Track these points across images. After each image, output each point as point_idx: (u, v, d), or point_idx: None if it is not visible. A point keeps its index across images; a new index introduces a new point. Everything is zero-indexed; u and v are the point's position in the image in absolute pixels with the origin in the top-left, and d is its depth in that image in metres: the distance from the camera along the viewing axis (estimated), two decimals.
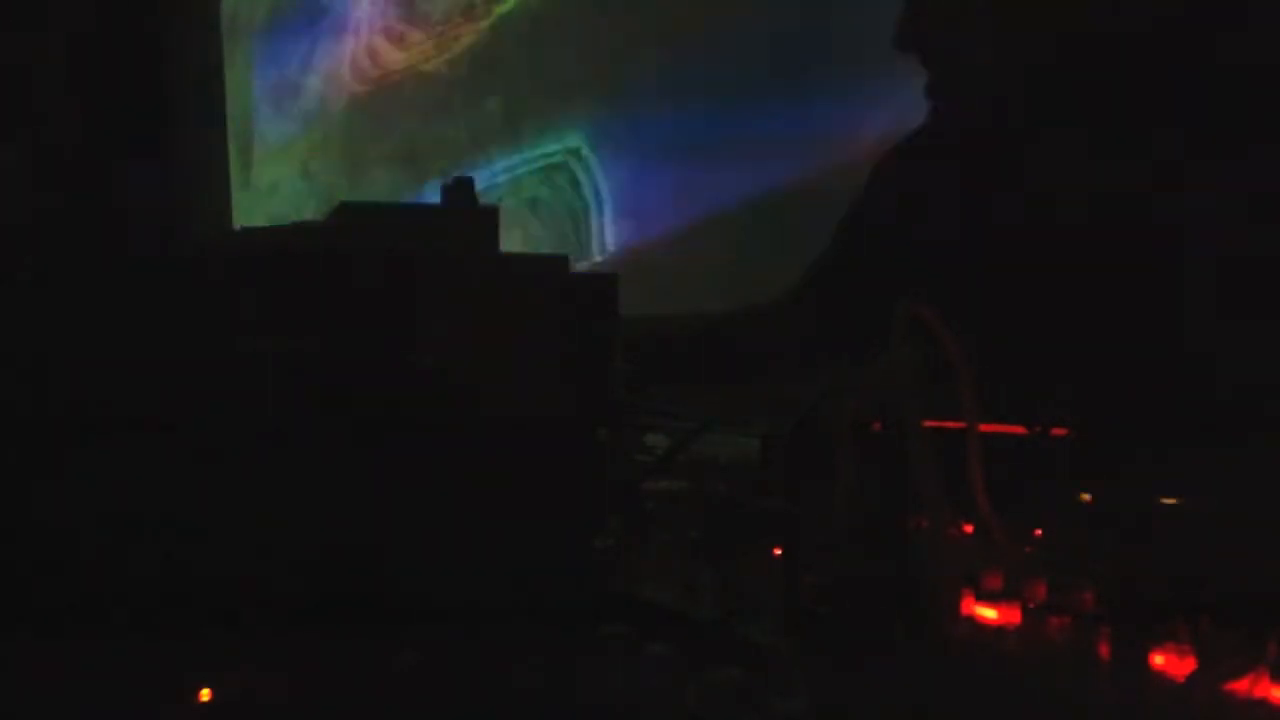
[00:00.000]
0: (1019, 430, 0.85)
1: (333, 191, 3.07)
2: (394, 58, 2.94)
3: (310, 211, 3.13)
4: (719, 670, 0.63)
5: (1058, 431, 0.86)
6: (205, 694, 0.66)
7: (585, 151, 2.45)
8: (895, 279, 1.20)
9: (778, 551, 0.80)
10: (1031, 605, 0.69)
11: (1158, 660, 0.61)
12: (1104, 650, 0.63)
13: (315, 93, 3.19)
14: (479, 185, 0.89)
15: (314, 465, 0.77)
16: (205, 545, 0.75)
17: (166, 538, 0.75)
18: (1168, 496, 0.76)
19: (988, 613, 0.69)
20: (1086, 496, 0.81)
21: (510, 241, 0.87)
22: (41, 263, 0.79)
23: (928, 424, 0.73)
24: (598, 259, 2.42)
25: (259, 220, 3.31)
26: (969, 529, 0.74)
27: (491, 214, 0.87)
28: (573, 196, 2.49)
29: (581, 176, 2.47)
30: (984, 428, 0.74)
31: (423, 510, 0.78)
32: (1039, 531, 0.78)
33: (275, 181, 3.34)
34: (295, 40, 3.24)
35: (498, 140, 2.63)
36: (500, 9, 2.59)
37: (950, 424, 0.74)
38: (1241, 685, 0.58)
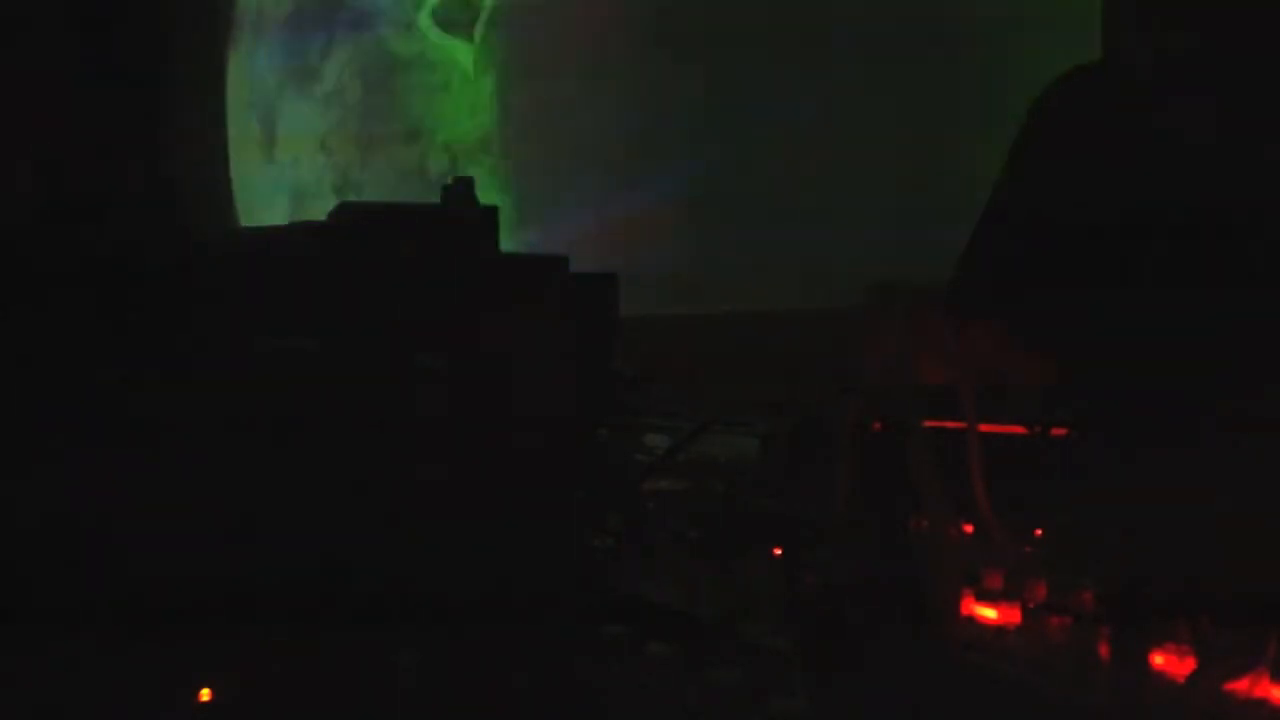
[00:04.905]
0: (1019, 430, 0.85)
1: (347, 165, 3.25)
2: (402, 46, 3.10)
3: (328, 184, 3.29)
4: (719, 670, 0.63)
5: (1057, 431, 0.86)
6: (205, 694, 0.66)
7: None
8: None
9: (778, 551, 0.80)
10: (1031, 605, 0.69)
11: (1158, 660, 0.61)
12: (1104, 650, 0.63)
13: (333, 77, 3.36)
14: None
15: (314, 465, 0.77)
16: (205, 545, 0.75)
17: (166, 538, 0.75)
18: (1166, 495, 0.75)
19: (988, 613, 0.69)
20: (1086, 496, 0.80)
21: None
22: (42, 261, 0.79)
23: (928, 424, 0.73)
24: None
25: (282, 191, 3.46)
26: (969, 529, 0.74)
27: (491, 214, 0.87)
28: None
29: None
30: (984, 428, 0.74)
31: (423, 510, 0.78)
32: (1039, 531, 0.78)
33: (296, 157, 3.52)
34: (316, 31, 3.42)
35: (492, 115, 2.77)
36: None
37: (950, 424, 0.74)
38: (1241, 685, 0.58)
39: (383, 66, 3.21)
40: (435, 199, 0.88)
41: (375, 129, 3.23)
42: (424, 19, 3.05)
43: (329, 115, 3.41)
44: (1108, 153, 1.14)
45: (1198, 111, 1.09)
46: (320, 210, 0.94)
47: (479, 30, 2.87)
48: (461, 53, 2.93)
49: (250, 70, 3.50)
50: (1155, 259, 1.03)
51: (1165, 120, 1.11)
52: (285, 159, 3.56)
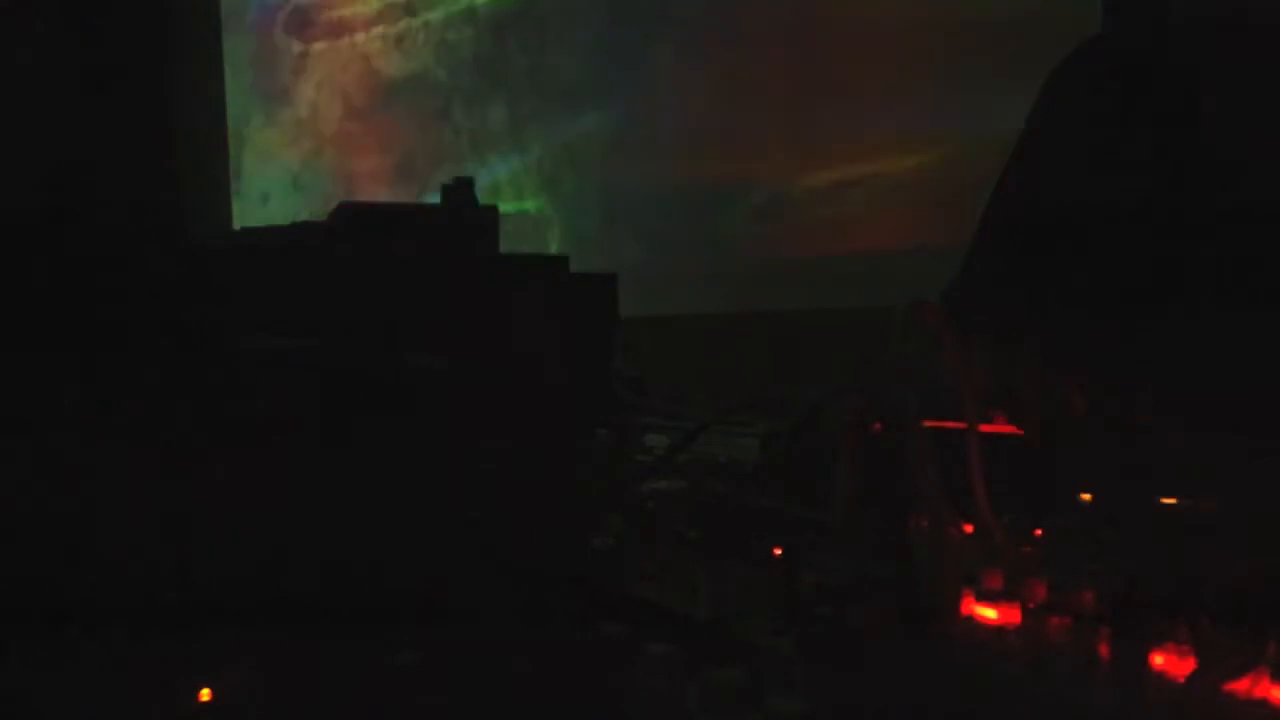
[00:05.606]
0: (1019, 430, 0.85)
1: (326, 203, 3.02)
2: (392, 63, 2.84)
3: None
4: (719, 670, 0.63)
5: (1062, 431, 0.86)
6: (205, 694, 0.66)
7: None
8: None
9: (778, 551, 0.80)
10: (1031, 605, 0.69)
11: (1158, 660, 0.61)
12: (1104, 650, 0.63)
13: (308, 100, 3.06)
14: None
15: (313, 465, 0.77)
16: (204, 545, 0.75)
17: (165, 537, 0.75)
18: (1168, 496, 0.75)
19: (988, 613, 0.69)
20: (1087, 496, 0.80)
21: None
22: (39, 260, 0.79)
23: (928, 424, 0.73)
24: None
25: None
26: (969, 529, 0.74)
27: (491, 214, 0.87)
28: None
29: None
30: (984, 428, 0.74)
31: (422, 510, 0.78)
32: (1039, 531, 0.78)
33: (266, 192, 3.22)
34: (287, 43, 3.14)
35: (498, 149, 2.55)
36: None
37: (950, 424, 0.74)
38: (1241, 685, 0.58)
39: (367, 87, 2.87)
40: None
41: (358, 162, 2.89)
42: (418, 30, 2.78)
43: (303, 144, 3.04)
44: (1120, 131, 1.11)
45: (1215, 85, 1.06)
46: None
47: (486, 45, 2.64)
48: (463, 73, 2.65)
49: (225, 83, 3.22)
50: (1172, 250, 1.01)
51: (1180, 97, 1.07)
52: (253, 193, 3.21)
